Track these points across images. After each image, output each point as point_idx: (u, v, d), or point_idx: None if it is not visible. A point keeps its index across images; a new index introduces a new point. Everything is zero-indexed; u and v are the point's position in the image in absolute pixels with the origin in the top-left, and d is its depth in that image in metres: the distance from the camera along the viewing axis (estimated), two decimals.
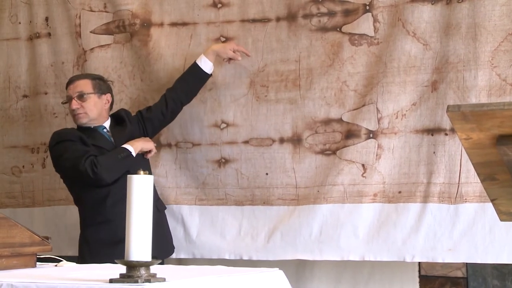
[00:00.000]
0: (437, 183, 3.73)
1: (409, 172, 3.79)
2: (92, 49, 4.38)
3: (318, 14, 3.99)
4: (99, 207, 3.83)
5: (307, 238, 3.92)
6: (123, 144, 3.87)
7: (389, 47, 3.83)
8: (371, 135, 3.86)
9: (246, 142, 4.10)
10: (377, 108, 3.85)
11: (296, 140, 4.01)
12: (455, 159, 3.70)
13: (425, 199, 3.75)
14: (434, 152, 3.75)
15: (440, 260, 3.76)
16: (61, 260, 3.00)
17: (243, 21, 4.13)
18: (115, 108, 4.09)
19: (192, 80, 4.04)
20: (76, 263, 3.17)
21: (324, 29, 3.98)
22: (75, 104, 3.89)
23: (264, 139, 4.07)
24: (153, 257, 2.28)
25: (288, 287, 2.75)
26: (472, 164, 2.01)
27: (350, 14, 3.93)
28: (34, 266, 2.84)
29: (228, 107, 4.12)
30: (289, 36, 4.03)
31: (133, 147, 3.85)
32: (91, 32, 4.38)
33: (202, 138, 4.17)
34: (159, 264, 2.39)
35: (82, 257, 3.85)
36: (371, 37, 3.88)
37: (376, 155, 3.84)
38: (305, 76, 4.00)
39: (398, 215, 3.79)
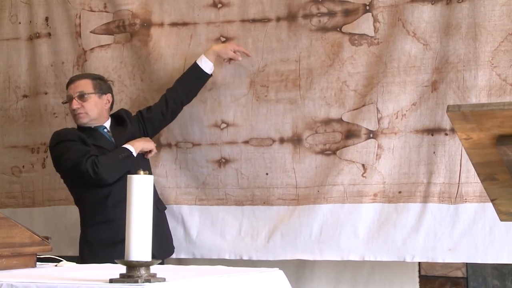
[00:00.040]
0: (437, 183, 3.73)
1: (409, 172, 3.79)
2: (92, 49, 4.38)
3: (318, 14, 3.99)
4: (100, 207, 3.83)
5: (307, 238, 3.92)
6: (123, 144, 3.87)
7: (389, 47, 3.83)
8: (371, 135, 3.86)
9: (246, 142, 4.10)
10: (377, 108, 3.85)
11: (296, 140, 4.01)
12: (455, 159, 3.71)
13: (425, 199, 3.75)
14: (434, 152, 3.75)
15: (440, 260, 3.76)
16: (61, 260, 3.00)
17: (243, 21, 4.13)
18: (115, 108, 4.09)
19: (193, 80, 4.04)
20: (76, 263, 3.17)
21: (324, 29, 3.98)
22: (75, 104, 3.89)
23: (264, 139, 4.07)
24: (153, 257, 2.28)
25: (288, 287, 2.75)
26: (472, 164, 2.01)
27: (350, 14, 3.93)
28: (34, 266, 2.84)
29: (228, 107, 4.12)
30: (289, 36, 4.03)
31: (134, 147, 3.85)
32: (91, 32, 4.38)
33: (202, 138, 4.17)
34: (159, 264, 2.39)
35: (83, 257, 3.85)
36: (371, 37, 3.88)
37: (376, 155, 3.85)
38: (305, 76, 4.00)
39: (398, 215, 3.79)
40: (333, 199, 3.89)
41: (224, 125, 4.14)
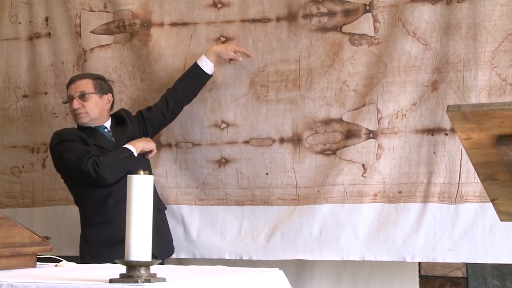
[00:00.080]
0: (437, 183, 3.73)
1: (409, 172, 3.79)
2: (92, 49, 4.38)
3: (318, 14, 3.99)
4: (100, 207, 3.83)
5: (307, 238, 3.92)
6: (124, 144, 3.87)
7: (389, 47, 3.83)
8: (371, 135, 3.86)
9: (246, 142, 4.10)
10: (377, 108, 3.85)
11: (296, 140, 4.01)
12: (455, 159, 3.70)
13: (425, 199, 3.75)
14: (434, 152, 3.75)
15: (440, 260, 3.76)
16: (61, 260, 3.00)
17: (243, 21, 4.13)
18: (115, 108, 4.08)
19: (193, 81, 4.04)
20: (77, 263, 3.17)
21: (324, 29, 3.98)
22: (76, 103, 3.88)
23: (264, 139, 4.07)
24: (153, 257, 2.28)
25: (288, 287, 2.75)
26: (472, 164, 2.01)
27: (350, 14, 3.93)
28: (34, 266, 2.84)
29: (228, 107, 4.12)
30: (289, 36, 4.03)
31: (135, 147, 3.85)
32: (91, 32, 4.38)
33: (202, 138, 4.17)
34: (159, 264, 2.39)
35: (83, 257, 3.85)
36: (371, 37, 3.88)
37: (376, 155, 3.85)
38: (305, 76, 4.00)
39: (398, 215, 3.79)
40: (333, 199, 3.89)
41: (224, 125, 4.14)
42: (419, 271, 4.09)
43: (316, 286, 4.18)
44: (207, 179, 4.17)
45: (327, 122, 3.95)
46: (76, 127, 3.97)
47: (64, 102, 4.09)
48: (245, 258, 4.03)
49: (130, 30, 4.30)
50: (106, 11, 4.36)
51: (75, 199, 3.99)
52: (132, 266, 2.24)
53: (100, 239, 3.82)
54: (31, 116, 4.53)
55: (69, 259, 3.12)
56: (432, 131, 3.77)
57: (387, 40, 3.84)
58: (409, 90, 3.80)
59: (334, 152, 3.94)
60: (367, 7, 3.89)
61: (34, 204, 4.53)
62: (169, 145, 4.24)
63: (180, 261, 4.21)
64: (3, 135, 4.60)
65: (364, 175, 3.86)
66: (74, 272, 2.69)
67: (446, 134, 3.73)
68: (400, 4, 3.81)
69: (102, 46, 4.36)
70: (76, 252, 4.00)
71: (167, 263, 3.59)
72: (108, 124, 3.98)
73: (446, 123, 3.70)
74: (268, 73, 4.06)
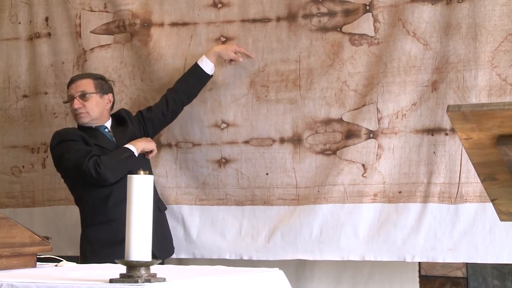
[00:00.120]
0: (437, 183, 3.73)
1: (409, 172, 3.79)
2: (92, 49, 4.38)
3: (318, 14, 3.99)
4: (100, 207, 3.83)
5: (307, 238, 3.92)
6: (125, 144, 3.87)
7: (389, 47, 3.83)
8: (371, 135, 3.86)
9: (246, 142, 4.10)
10: (377, 108, 3.85)
11: (296, 140, 4.01)
12: (455, 159, 3.70)
13: (425, 199, 3.75)
14: (434, 152, 3.75)
15: (440, 260, 3.76)
16: (61, 260, 3.00)
17: (243, 21, 4.13)
18: (115, 108, 4.08)
19: (193, 81, 4.05)
20: (77, 263, 3.17)
21: (324, 29, 3.98)
22: (77, 103, 3.88)
23: (264, 139, 4.07)
24: (153, 257, 2.28)
25: (288, 287, 2.75)
26: (472, 164, 2.01)
27: (350, 14, 3.93)
28: (34, 266, 2.84)
29: (228, 107, 4.12)
30: (289, 36, 4.03)
31: (135, 147, 3.85)
32: (91, 32, 4.38)
33: (203, 138, 4.17)
34: (159, 264, 2.39)
35: (84, 257, 3.85)
36: (371, 37, 3.88)
37: (376, 155, 3.84)
38: (305, 76, 4.00)
39: (398, 215, 3.79)
40: (333, 199, 3.89)
41: (224, 125, 4.14)
42: (419, 271, 4.09)
43: (316, 286, 4.18)
44: (207, 179, 4.17)
45: (327, 122, 3.95)
46: (76, 127, 3.97)
47: (65, 102, 4.09)
48: (245, 258, 4.03)
49: (130, 30, 4.30)
50: (106, 11, 4.36)
51: (75, 199, 3.99)
52: (132, 266, 2.24)
53: (100, 239, 3.82)
54: (31, 116, 4.53)
55: (69, 259, 3.12)
56: (432, 131, 3.77)
57: (387, 40, 3.84)
58: (409, 90, 3.80)
59: (334, 152, 3.94)
60: (367, 7, 3.89)
61: (34, 204, 4.53)
62: (169, 145, 4.24)
63: (180, 261, 4.21)
64: (3, 135, 4.60)
65: (364, 175, 3.85)
66: (74, 272, 2.69)
67: (446, 134, 3.73)
68: (400, 4, 3.81)
69: (102, 46, 4.36)
70: (76, 252, 4.00)
71: (167, 263, 3.59)
72: (108, 124, 3.98)
73: (446, 123, 3.70)
74: (268, 73, 4.06)
